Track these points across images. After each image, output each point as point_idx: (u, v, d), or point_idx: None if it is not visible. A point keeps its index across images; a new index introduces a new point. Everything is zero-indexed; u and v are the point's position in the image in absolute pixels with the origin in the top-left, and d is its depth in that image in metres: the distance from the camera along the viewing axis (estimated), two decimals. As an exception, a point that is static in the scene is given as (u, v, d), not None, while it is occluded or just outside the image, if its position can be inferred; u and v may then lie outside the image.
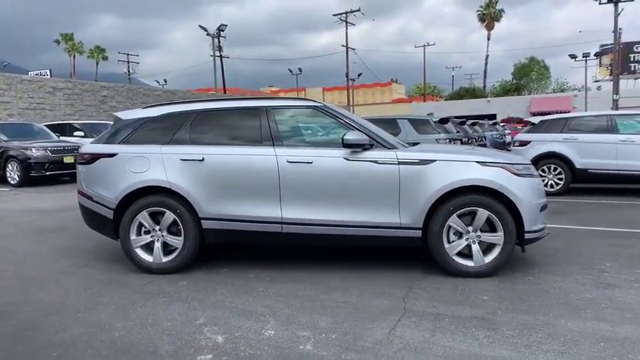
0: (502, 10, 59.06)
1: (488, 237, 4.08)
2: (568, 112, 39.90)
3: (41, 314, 3.49)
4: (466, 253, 4.13)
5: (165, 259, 4.37)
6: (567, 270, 4.22)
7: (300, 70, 47.34)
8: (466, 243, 4.10)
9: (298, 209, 4.19)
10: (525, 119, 23.57)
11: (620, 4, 19.67)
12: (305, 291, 3.88)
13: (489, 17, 58.64)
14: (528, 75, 59.99)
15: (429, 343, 2.89)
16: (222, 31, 29.21)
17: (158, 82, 51.74)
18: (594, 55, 47.34)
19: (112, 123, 4.94)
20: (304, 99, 4.80)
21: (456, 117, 14.11)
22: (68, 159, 11.92)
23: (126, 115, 4.72)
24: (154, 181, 4.32)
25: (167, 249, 4.41)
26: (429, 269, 4.28)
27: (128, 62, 52.75)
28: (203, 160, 4.29)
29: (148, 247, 4.42)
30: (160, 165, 4.34)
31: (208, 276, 4.31)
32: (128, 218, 4.37)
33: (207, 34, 30.99)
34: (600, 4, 20.37)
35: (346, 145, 4.09)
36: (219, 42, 30.07)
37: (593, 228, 5.87)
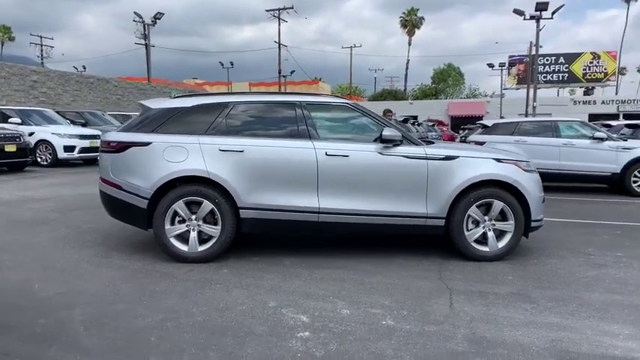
0: (422, 18, 62.38)
1: (501, 225, 4.63)
2: (482, 116, 43.38)
3: (104, 303, 3.45)
4: (481, 240, 4.65)
5: (201, 249, 4.42)
6: (560, 254, 4.90)
7: (232, 64, 46.58)
8: (482, 231, 4.62)
9: (334, 199, 4.45)
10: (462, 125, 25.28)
11: (540, 20, 21.94)
12: (348, 275, 4.17)
13: (411, 24, 61.67)
14: (446, 80, 63.96)
15: (490, 315, 3.33)
16: (159, 19, 27.98)
17: (76, 69, 48.02)
18: (503, 65, 51.72)
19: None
20: (336, 96, 5.07)
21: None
22: (10, 147, 10.99)
23: (155, 104, 4.67)
24: (192, 171, 4.35)
25: (200, 238, 4.46)
26: (445, 255, 4.75)
27: (42, 45, 48.42)
28: (243, 151, 4.40)
29: (181, 237, 4.44)
30: (198, 155, 4.38)
31: (244, 264, 4.43)
32: (163, 208, 4.36)
33: (140, 22, 29.42)
34: (525, 19, 22.54)
35: (384, 140, 4.44)
36: (147, 29, 28.72)
37: (564, 220, 6.72)
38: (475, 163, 4.59)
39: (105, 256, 4.64)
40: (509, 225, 4.61)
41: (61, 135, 13.09)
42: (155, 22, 28.14)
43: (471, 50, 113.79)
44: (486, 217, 4.61)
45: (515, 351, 2.80)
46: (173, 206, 4.37)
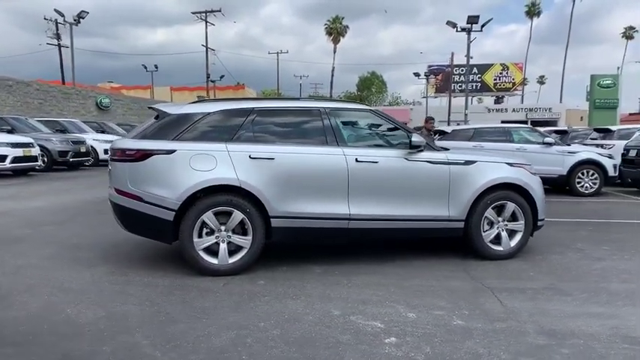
0: (347, 27, 64.08)
1: (513, 225, 4.93)
2: (406, 123, 45.53)
3: (160, 324, 3.20)
4: (494, 240, 4.92)
5: (231, 260, 4.25)
6: (557, 250, 5.31)
7: (157, 67, 44.60)
8: (497, 231, 4.90)
9: (364, 205, 4.49)
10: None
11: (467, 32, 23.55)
12: (385, 280, 4.22)
13: (336, 32, 63.09)
14: (369, 88, 66.17)
15: (541, 309, 3.54)
16: (83, 18, 25.98)
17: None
18: (417, 74, 54.63)
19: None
20: (358, 102, 5.10)
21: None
22: None
23: (174, 109, 4.41)
24: (223, 180, 4.17)
25: (228, 250, 4.28)
26: (460, 256, 4.96)
27: None
28: (274, 159, 4.29)
29: (209, 249, 4.24)
30: (227, 163, 4.20)
31: (276, 274, 4.32)
32: (191, 219, 4.13)
33: (52, 21, 27.18)
34: (457, 31, 24.05)
35: (413, 146, 4.55)
36: (71, 29, 26.67)
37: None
38: (491, 167, 4.85)
39: (120, 273, 4.29)
40: (519, 225, 4.92)
41: (-12, 143, 11.79)
42: (79, 22, 26.18)
43: (386, 59, 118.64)
44: (500, 218, 4.88)
45: (589, 340, 3.02)
46: (202, 217, 4.15)
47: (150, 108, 4.79)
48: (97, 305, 3.52)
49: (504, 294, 3.87)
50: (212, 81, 41.65)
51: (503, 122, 43.18)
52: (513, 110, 49.50)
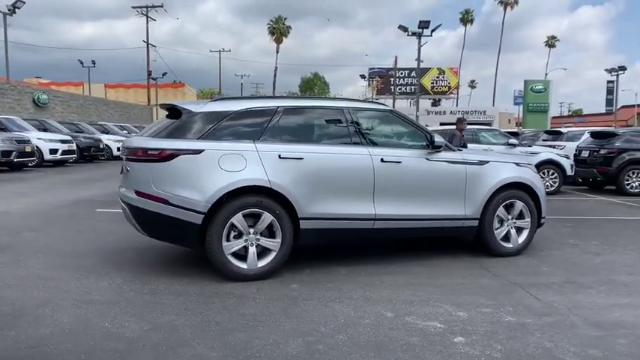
0: (290, 27, 63.98)
1: (520, 223, 5.14)
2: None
3: (215, 334, 3.01)
4: (503, 238, 5.10)
5: (260, 264, 4.09)
6: (555, 247, 5.60)
7: (94, 63, 42.10)
8: (507, 229, 5.08)
9: (389, 205, 4.49)
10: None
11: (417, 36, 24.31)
12: (416, 279, 4.25)
13: (279, 32, 62.81)
14: (312, 89, 66.48)
15: (576, 302, 3.72)
16: (19, 8, 23.76)
17: None
18: (362, 76, 55.86)
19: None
20: (379, 102, 5.08)
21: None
22: None
23: (197, 107, 4.17)
24: (253, 181, 4.00)
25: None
26: (471, 253, 5.10)
27: None
28: (303, 158, 4.19)
29: (236, 254, 4.06)
30: (257, 163, 4.05)
31: (306, 277, 4.23)
32: (220, 222, 3.93)
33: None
34: (408, 35, 24.70)
35: (436, 146, 4.62)
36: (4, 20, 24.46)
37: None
38: (502, 167, 5.03)
39: (140, 282, 4.00)
40: (526, 222, 5.14)
41: None
42: (14, 11, 23.99)
43: (323, 60, 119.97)
44: (509, 216, 5.07)
45: (636, 329, 3.21)
46: (231, 220, 3.97)
47: (162, 105, 4.52)
48: (135, 317, 3.26)
49: (533, 289, 4.02)
50: (153, 78, 40.02)
51: (442, 125, 45.15)
52: (451, 112, 51.59)
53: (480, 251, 5.09)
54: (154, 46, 39.67)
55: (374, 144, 4.55)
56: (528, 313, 3.47)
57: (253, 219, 4.08)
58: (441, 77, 58.34)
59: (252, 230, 4.07)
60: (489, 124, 45.47)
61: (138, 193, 3.95)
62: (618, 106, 48.48)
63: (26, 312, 3.30)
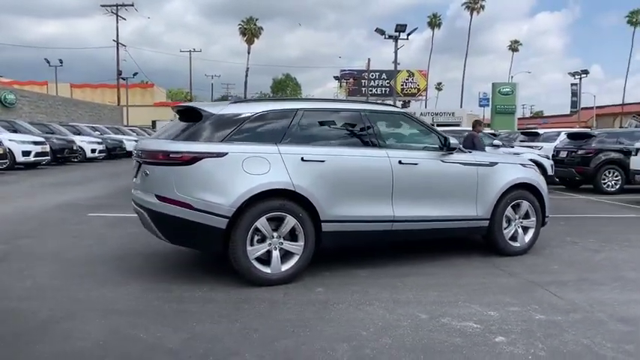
0: (261, 28, 63.59)
1: (526, 222, 5.27)
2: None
3: (260, 342, 2.96)
4: (510, 237, 5.21)
5: (283, 268, 4.04)
6: (555, 244, 5.76)
7: (61, 62, 40.61)
8: (515, 228, 5.20)
9: (406, 207, 4.52)
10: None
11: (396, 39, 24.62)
12: (436, 280, 4.29)
13: (250, 32, 62.33)
14: (284, 89, 66.29)
15: (594, 298, 3.83)
16: None
17: None
18: (337, 77, 56.25)
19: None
20: (393, 105, 5.09)
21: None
22: None
23: (217, 109, 4.07)
24: (278, 184, 3.95)
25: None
26: (478, 252, 5.20)
27: None
28: (325, 161, 4.17)
29: (259, 258, 4.00)
30: (280, 166, 4.00)
31: (327, 280, 4.20)
32: (245, 227, 3.86)
33: None
34: (385, 38, 24.99)
35: (452, 148, 4.68)
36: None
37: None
38: (510, 168, 5.15)
39: (161, 289, 3.88)
40: (532, 222, 5.28)
41: None
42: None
43: (292, 62, 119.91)
44: (517, 216, 5.19)
45: (661, 324, 3.34)
46: (255, 224, 3.90)
47: (177, 107, 4.40)
48: (170, 327, 3.16)
49: (551, 287, 4.12)
50: (123, 78, 39.01)
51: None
52: (421, 114, 52.47)
53: (488, 250, 5.20)
54: (124, 45, 38.67)
55: (390, 146, 4.58)
56: (555, 311, 3.56)
57: (276, 222, 4.02)
58: (410, 79, 59.27)
59: (275, 234, 4.02)
60: (458, 126, 46.57)
61: (160, 197, 3.84)
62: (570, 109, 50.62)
63: (52, 325, 3.15)
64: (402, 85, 58.19)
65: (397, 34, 25.36)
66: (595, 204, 9.78)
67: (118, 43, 37.48)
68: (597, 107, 52.21)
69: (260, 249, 3.97)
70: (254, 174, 3.90)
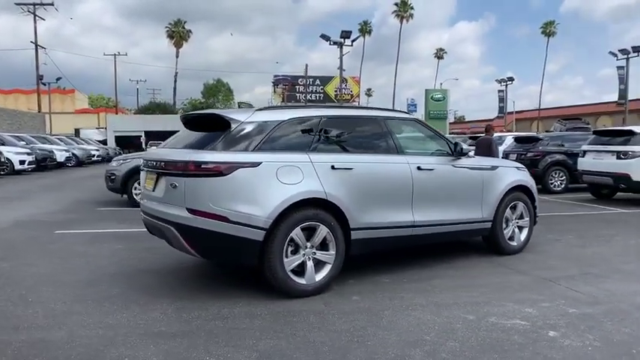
0: (190, 31, 61.93)
1: (521, 222, 5.58)
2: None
3: (331, 351, 2.89)
4: (509, 237, 5.49)
5: (318, 278, 3.98)
6: (542, 242, 6.12)
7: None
8: (512, 228, 5.48)
9: (425, 212, 4.63)
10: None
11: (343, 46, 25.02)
12: (460, 282, 4.42)
13: (178, 35, 60.50)
14: (216, 95, 64.92)
15: (610, 291, 4.14)
16: None
17: None
18: (275, 83, 56.18)
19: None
20: (405, 112, 5.16)
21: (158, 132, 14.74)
22: None
23: (245, 116, 3.91)
24: (312, 193, 3.89)
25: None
26: (481, 254, 5.43)
27: None
28: (353, 168, 4.16)
29: (293, 269, 3.90)
30: (313, 174, 3.93)
31: (358, 288, 4.19)
32: (281, 238, 3.76)
33: None
34: (330, 44, 25.26)
35: (464, 154, 4.85)
36: None
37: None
38: (508, 171, 5.44)
39: (194, 307, 3.65)
40: (526, 221, 5.60)
41: None
42: None
43: (220, 66, 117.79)
44: (514, 217, 5.48)
45: (679, 310, 3.68)
46: (290, 234, 3.81)
47: (191, 114, 4.20)
48: (229, 346, 2.99)
49: (563, 282, 4.39)
50: (43, 84, 36.29)
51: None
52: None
53: (486, 250, 5.44)
54: (43, 48, 36.01)
55: (407, 152, 4.67)
56: (582, 304, 3.80)
57: (308, 232, 3.95)
58: (344, 86, 60.30)
59: (308, 244, 3.94)
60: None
61: (192, 211, 3.62)
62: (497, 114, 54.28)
63: (98, 354, 2.87)
64: (336, 91, 59.18)
65: (342, 40, 25.83)
66: (551, 204, 10.50)
67: (37, 46, 34.81)
68: (516, 112, 56.30)
69: (295, 260, 3.88)
70: (288, 183, 3.81)
